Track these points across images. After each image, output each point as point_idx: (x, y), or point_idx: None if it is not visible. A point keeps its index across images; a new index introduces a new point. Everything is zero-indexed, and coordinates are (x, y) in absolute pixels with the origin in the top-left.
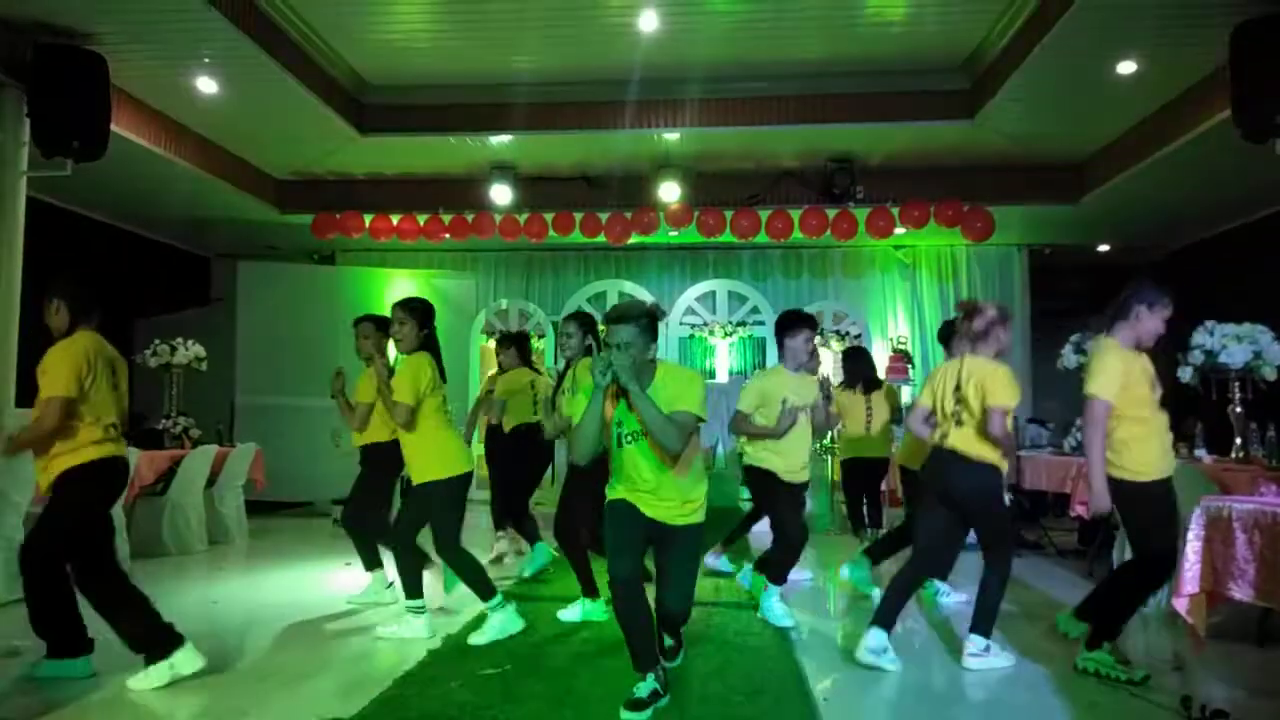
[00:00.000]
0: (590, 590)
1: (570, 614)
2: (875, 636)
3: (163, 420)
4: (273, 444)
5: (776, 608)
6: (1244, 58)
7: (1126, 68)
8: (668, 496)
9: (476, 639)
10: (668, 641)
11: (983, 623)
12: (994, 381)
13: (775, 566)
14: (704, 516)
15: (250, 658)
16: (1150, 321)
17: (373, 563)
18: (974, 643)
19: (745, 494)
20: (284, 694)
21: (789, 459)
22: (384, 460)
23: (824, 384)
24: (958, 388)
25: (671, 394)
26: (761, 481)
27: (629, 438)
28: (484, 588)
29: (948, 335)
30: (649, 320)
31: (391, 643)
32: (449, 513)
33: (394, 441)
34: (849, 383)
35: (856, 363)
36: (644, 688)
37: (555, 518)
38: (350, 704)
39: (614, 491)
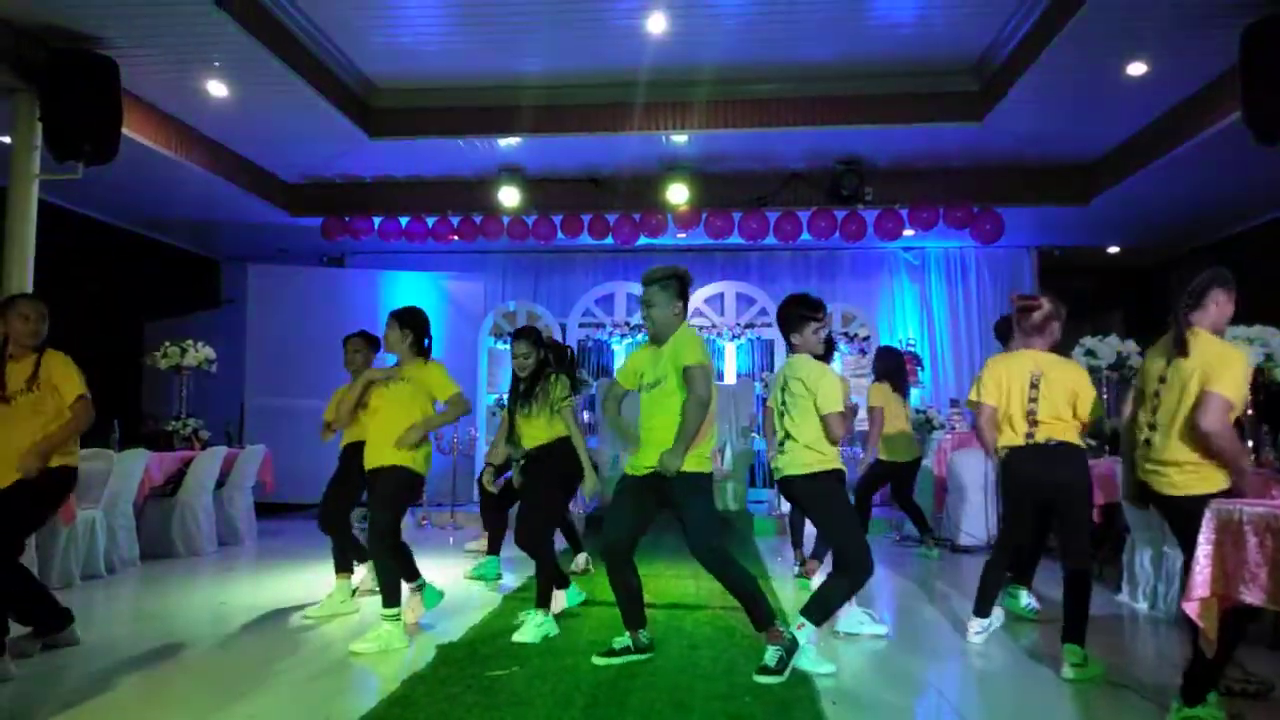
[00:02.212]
0: (545, 600)
1: (528, 634)
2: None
3: (172, 422)
4: (282, 446)
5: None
6: (1255, 58)
7: (1137, 69)
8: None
9: (359, 645)
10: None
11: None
12: (1083, 388)
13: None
14: (705, 467)
15: (259, 658)
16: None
17: (344, 566)
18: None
19: (755, 496)
20: (293, 694)
21: None
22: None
23: None
24: (1034, 385)
25: (676, 352)
26: (836, 488)
27: (647, 387)
28: (393, 595)
29: (1004, 330)
30: (677, 282)
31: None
32: (403, 506)
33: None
34: (889, 384)
35: (889, 362)
36: (619, 642)
37: (516, 529)
38: (359, 704)
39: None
